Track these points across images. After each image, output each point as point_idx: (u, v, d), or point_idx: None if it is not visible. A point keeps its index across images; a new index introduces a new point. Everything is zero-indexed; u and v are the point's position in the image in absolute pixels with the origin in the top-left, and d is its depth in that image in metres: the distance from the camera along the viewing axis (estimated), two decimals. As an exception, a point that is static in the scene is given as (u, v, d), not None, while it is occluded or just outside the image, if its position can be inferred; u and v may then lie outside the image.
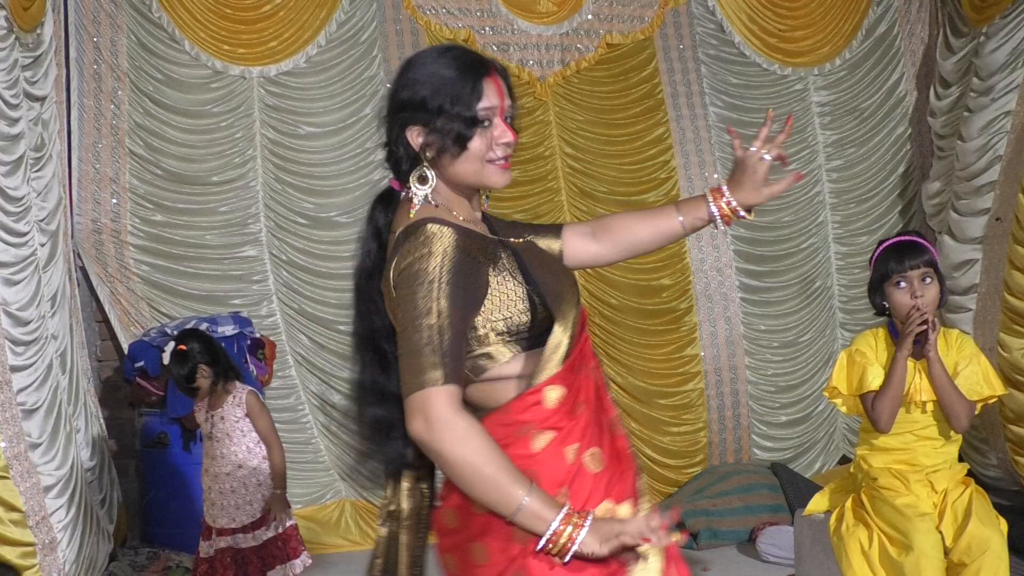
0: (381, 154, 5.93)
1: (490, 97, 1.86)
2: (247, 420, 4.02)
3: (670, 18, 6.29)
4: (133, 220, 5.39)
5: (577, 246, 2.15)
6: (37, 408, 3.90)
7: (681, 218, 2.16)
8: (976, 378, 3.24)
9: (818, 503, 3.56)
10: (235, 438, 3.98)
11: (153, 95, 5.42)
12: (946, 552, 3.15)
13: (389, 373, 1.89)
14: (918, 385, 3.24)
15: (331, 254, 5.61)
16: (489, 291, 1.79)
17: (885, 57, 6.56)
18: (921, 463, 3.27)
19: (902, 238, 3.35)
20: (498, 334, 1.80)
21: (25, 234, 4.04)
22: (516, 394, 1.79)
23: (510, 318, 1.80)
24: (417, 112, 1.86)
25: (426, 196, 1.88)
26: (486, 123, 1.86)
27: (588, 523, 1.68)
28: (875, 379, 3.23)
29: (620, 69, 6.18)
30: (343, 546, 5.41)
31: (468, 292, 1.76)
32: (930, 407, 3.25)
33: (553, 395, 1.78)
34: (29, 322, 3.91)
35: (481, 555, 1.77)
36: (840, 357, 3.39)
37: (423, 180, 1.89)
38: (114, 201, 5.36)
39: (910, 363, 3.25)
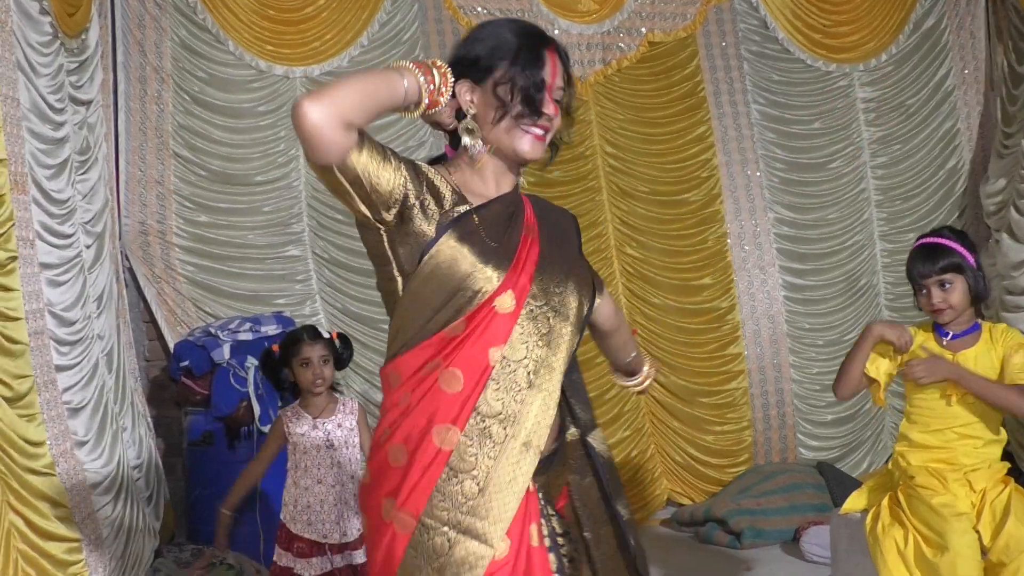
0: (422, 152, 6.00)
1: (546, 71, 1.94)
2: (356, 429, 3.79)
3: (712, 15, 6.25)
4: (178, 221, 5.45)
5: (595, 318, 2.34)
6: (83, 407, 3.96)
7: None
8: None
9: (855, 501, 3.53)
10: (350, 447, 3.74)
11: (197, 95, 5.48)
12: (984, 552, 3.10)
13: None
14: None
15: (372, 252, 5.62)
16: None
17: (932, 52, 6.47)
18: (960, 462, 3.23)
19: (923, 241, 3.34)
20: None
21: (70, 236, 4.10)
22: None
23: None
24: (470, 68, 1.95)
25: (471, 146, 1.96)
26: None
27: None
28: (881, 373, 3.30)
29: (662, 67, 6.16)
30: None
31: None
32: (970, 399, 3.21)
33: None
34: (74, 322, 3.97)
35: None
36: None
37: (470, 133, 1.97)
38: (159, 203, 5.43)
39: (947, 354, 3.25)
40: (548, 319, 1.97)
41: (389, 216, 1.88)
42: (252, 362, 4.84)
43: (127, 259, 5.34)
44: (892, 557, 3.16)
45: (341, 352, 3.83)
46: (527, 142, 1.95)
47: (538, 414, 1.92)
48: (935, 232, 3.37)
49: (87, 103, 4.59)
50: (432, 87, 1.89)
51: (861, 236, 6.36)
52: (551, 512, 2.05)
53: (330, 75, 5.65)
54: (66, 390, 3.81)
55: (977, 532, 3.11)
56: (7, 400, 3.31)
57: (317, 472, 3.69)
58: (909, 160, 6.42)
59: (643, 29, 6.12)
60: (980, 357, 3.26)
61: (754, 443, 6.04)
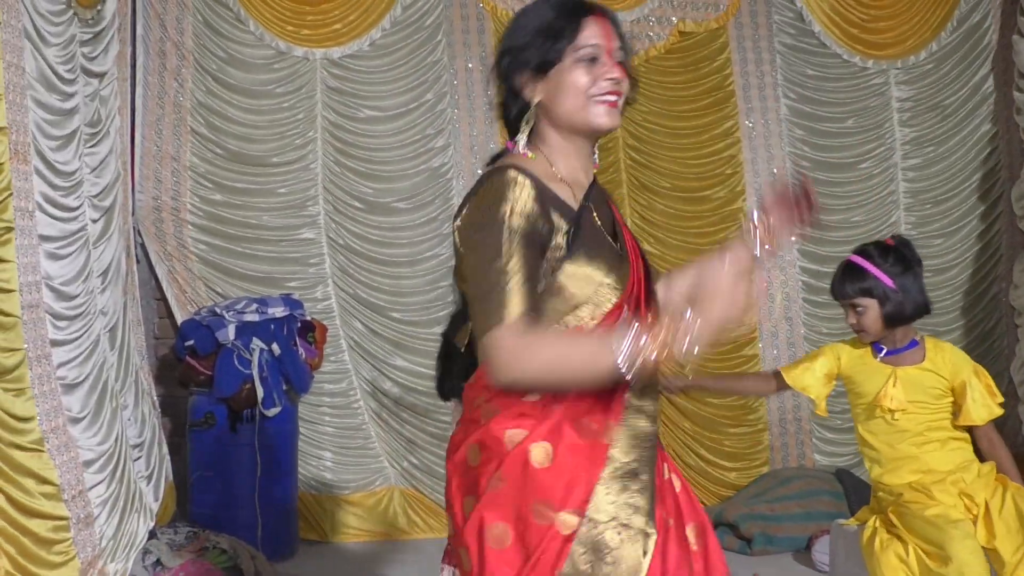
0: (441, 141, 5.90)
1: (595, 34, 1.86)
2: None
3: (746, 6, 6.10)
4: (193, 199, 5.41)
5: None
6: (80, 383, 3.91)
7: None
8: (986, 402, 3.22)
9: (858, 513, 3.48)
10: None
11: (216, 74, 5.42)
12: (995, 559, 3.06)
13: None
14: (889, 392, 3.19)
15: (387, 240, 5.56)
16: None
17: (975, 51, 6.25)
18: (936, 468, 3.18)
19: (849, 258, 3.33)
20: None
21: (75, 209, 4.05)
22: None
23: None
24: (517, 56, 1.89)
25: (528, 140, 1.90)
26: (592, 59, 1.86)
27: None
28: (808, 387, 3.42)
29: (691, 58, 6.02)
30: (391, 534, 5.37)
31: (536, 242, 1.77)
32: (900, 416, 3.20)
33: None
34: (74, 297, 3.92)
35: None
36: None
37: (527, 122, 1.91)
38: (174, 179, 5.38)
39: (884, 368, 3.25)
40: None
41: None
42: (257, 343, 4.79)
43: (140, 235, 5.30)
44: (893, 572, 3.06)
45: None
46: (599, 113, 1.87)
47: None
48: (862, 249, 3.33)
49: (100, 75, 4.53)
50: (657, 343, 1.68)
51: (886, 239, 6.18)
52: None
53: (351, 58, 5.58)
54: (61, 365, 3.75)
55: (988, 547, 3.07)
56: (-8, 373, 3.26)
57: None
58: (943, 163, 6.22)
59: (674, 18, 5.98)
60: (922, 376, 3.24)
61: (770, 447, 5.90)
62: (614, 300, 1.82)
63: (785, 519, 5.20)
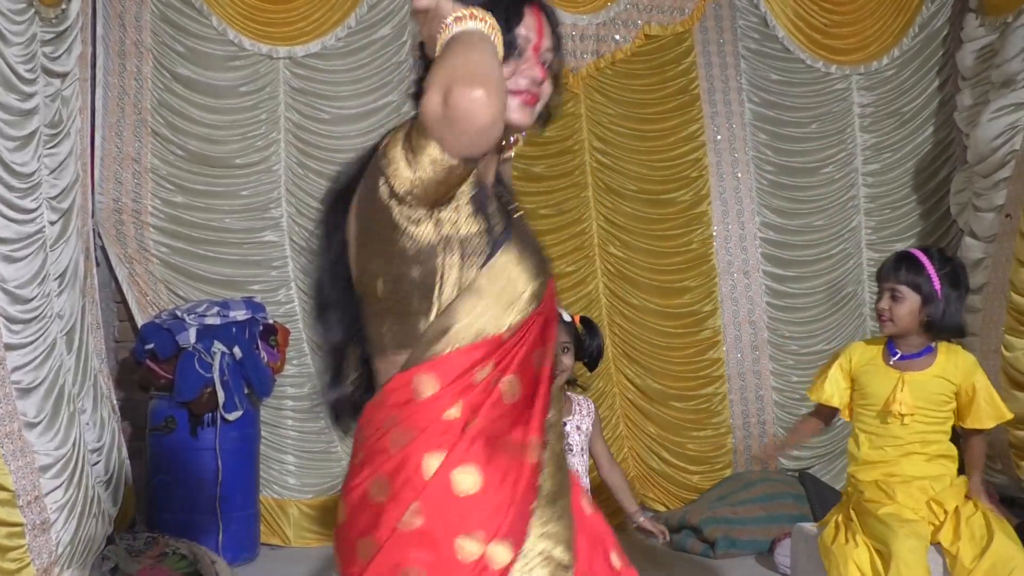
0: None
1: (528, 28, 1.72)
2: (590, 434, 3.28)
3: (711, 10, 6.10)
4: (154, 201, 5.34)
5: None
6: (35, 387, 3.84)
7: None
8: (988, 408, 3.23)
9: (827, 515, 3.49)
10: (580, 455, 3.21)
11: (176, 72, 5.35)
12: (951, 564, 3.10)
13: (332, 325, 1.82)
14: (898, 397, 3.18)
15: (351, 242, 5.52)
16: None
17: (934, 57, 6.30)
18: (907, 473, 3.21)
19: (903, 250, 3.36)
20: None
21: (32, 211, 3.99)
22: None
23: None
24: None
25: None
26: (519, 53, 1.71)
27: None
28: (818, 390, 3.39)
29: (657, 62, 6.02)
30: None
31: None
32: (909, 420, 3.19)
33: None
34: (30, 300, 3.86)
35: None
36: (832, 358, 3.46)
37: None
38: (135, 181, 5.32)
39: (892, 373, 3.24)
40: None
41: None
42: (219, 347, 4.74)
43: (99, 237, 5.23)
44: (849, 572, 3.08)
45: (585, 339, 3.30)
46: (514, 107, 1.70)
47: None
48: (925, 248, 3.35)
49: (62, 75, 4.46)
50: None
51: (848, 244, 6.22)
52: None
53: (315, 57, 5.54)
54: (16, 369, 3.69)
55: (949, 549, 3.10)
56: (-58, 380, 3.20)
57: None
58: (900, 168, 6.27)
59: (639, 21, 5.98)
60: (931, 381, 3.23)
61: (734, 450, 5.92)
62: (537, 299, 1.69)
63: (748, 522, 5.22)
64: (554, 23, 1.79)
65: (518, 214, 1.81)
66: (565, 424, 3.16)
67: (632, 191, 5.92)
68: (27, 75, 3.98)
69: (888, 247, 6.17)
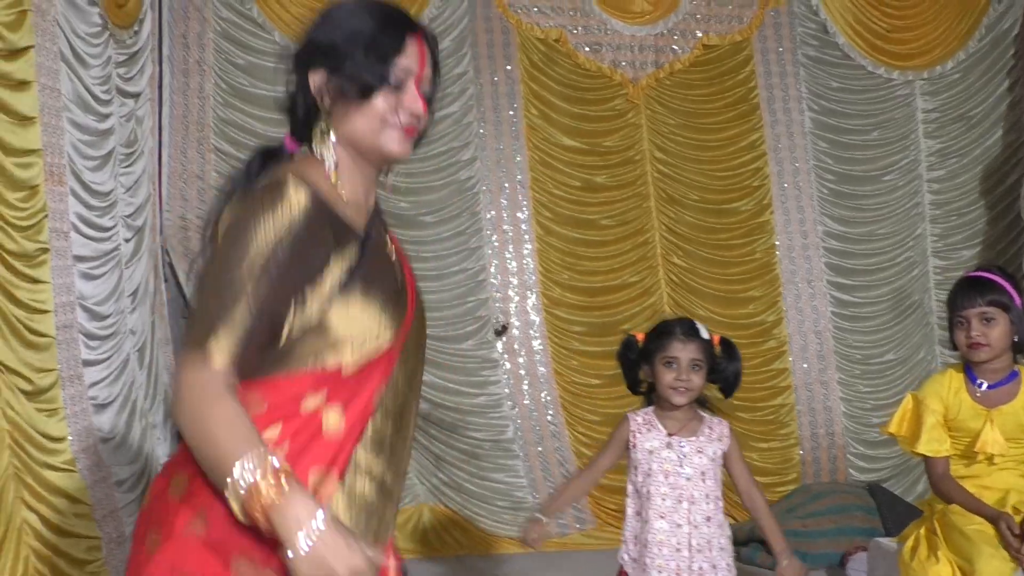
0: (467, 154, 5.81)
1: (410, 58, 1.66)
2: (720, 460, 3.07)
3: (770, 18, 6.08)
4: (218, 217, 5.39)
5: None
6: (110, 403, 3.91)
7: None
8: None
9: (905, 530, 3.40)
10: (709, 480, 3.00)
11: (237, 86, 5.40)
12: None
13: None
14: (987, 438, 3.05)
15: (414, 254, 5.53)
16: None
17: (1002, 59, 6.20)
18: (996, 486, 3.11)
19: (971, 274, 3.19)
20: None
21: (109, 229, 4.07)
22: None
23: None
24: (325, 55, 1.65)
25: (328, 154, 1.65)
26: (398, 85, 1.65)
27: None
28: (929, 443, 3.10)
29: (715, 72, 6.01)
30: (422, 551, 5.34)
31: (293, 270, 1.53)
32: (998, 460, 3.08)
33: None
34: (107, 317, 3.93)
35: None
36: (906, 400, 3.24)
37: (323, 133, 1.66)
38: (200, 198, 5.38)
39: (980, 412, 3.10)
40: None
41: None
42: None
43: (167, 254, 5.30)
44: None
45: (720, 362, 3.12)
46: (393, 139, 1.66)
47: None
48: (984, 267, 3.26)
49: (136, 95, 4.55)
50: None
51: (913, 252, 6.15)
52: None
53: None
54: (93, 385, 3.76)
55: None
56: (27, 394, 3.27)
57: (661, 505, 2.95)
58: (967, 174, 6.18)
59: (698, 32, 5.97)
60: (1019, 413, 3.10)
61: (802, 462, 5.86)
62: (384, 338, 1.64)
63: (818, 535, 5.15)
64: (434, 49, 1.75)
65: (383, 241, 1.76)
66: (685, 445, 3.02)
67: (694, 200, 5.90)
68: (103, 96, 4.06)
69: (954, 254, 6.10)
